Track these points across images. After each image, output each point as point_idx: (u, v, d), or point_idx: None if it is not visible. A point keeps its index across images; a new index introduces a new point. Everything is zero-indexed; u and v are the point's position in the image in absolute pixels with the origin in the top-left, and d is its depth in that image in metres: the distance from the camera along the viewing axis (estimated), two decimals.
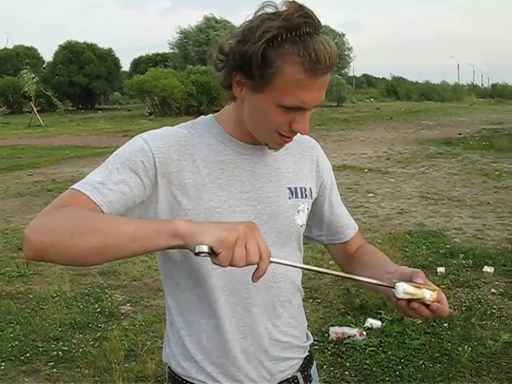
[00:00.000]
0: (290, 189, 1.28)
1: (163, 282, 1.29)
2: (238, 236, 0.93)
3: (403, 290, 1.08)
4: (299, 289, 1.35)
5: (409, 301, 1.09)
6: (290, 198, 1.27)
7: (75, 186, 1.08)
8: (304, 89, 1.09)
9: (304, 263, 1.31)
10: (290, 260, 1.24)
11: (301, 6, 1.07)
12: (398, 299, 1.09)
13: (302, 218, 1.30)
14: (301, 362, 1.35)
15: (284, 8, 1.07)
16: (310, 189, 1.33)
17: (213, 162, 1.20)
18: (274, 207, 1.24)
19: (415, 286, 1.09)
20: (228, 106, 1.25)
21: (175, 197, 1.17)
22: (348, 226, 1.43)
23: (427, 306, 1.10)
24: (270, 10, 1.09)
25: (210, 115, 1.29)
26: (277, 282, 1.25)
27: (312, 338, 1.41)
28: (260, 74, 1.08)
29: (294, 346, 1.32)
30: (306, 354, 1.38)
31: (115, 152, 1.17)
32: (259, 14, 1.10)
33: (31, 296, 4.57)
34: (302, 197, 1.30)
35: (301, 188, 1.30)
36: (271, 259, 0.98)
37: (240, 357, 1.23)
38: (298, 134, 1.27)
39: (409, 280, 1.11)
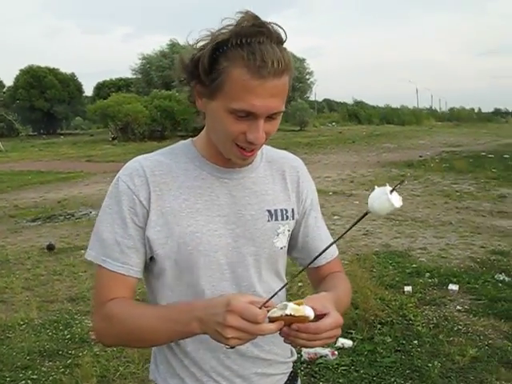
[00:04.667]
0: (269, 211, 1.27)
1: (149, 300, 1.32)
2: (227, 332, 1.00)
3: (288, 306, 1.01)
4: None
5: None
6: (269, 221, 1.27)
7: (101, 261, 1.21)
8: (252, 92, 1.07)
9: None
10: (270, 282, 1.29)
11: (255, 17, 1.07)
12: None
13: (281, 241, 1.29)
14: (285, 378, 1.37)
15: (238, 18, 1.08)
16: (292, 210, 1.32)
17: (189, 187, 1.23)
18: (252, 230, 1.25)
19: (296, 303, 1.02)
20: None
21: (155, 226, 1.20)
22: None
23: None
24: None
25: (189, 139, 1.31)
26: None
27: (296, 355, 1.43)
28: (209, 79, 1.10)
29: (278, 362, 1.34)
30: (291, 369, 1.39)
31: (108, 204, 1.23)
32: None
33: None
34: (282, 219, 1.29)
35: (281, 210, 1.29)
36: (267, 315, 1.01)
37: (221, 375, 1.25)
38: (284, 155, 1.32)
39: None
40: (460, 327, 4.07)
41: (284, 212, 1.30)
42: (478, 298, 4.66)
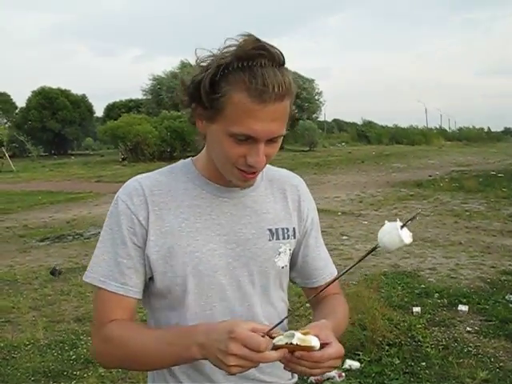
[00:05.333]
0: (270, 230, 1.26)
1: (149, 321, 1.31)
2: (229, 360, 0.99)
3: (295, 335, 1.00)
4: (284, 328, 1.31)
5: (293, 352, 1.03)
6: (270, 240, 1.26)
7: (99, 282, 1.20)
8: (252, 117, 1.06)
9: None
10: (272, 302, 1.29)
11: (257, 40, 1.07)
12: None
13: (283, 260, 1.28)
14: None
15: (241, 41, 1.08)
16: (294, 229, 1.31)
17: (189, 206, 1.22)
18: (252, 249, 1.24)
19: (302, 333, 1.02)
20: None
21: (154, 246, 1.19)
22: (323, 270, 1.38)
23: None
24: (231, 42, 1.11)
25: (189, 159, 1.31)
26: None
27: (296, 377, 1.40)
28: (210, 102, 1.09)
29: None
30: None
31: (108, 224, 1.23)
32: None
33: (2, 344, 4.44)
34: (283, 238, 1.28)
35: (283, 229, 1.28)
36: (274, 342, 1.00)
37: None
38: (285, 174, 1.33)
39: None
40: (470, 349, 4.01)
41: (285, 231, 1.29)
42: (489, 319, 4.59)
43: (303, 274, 1.39)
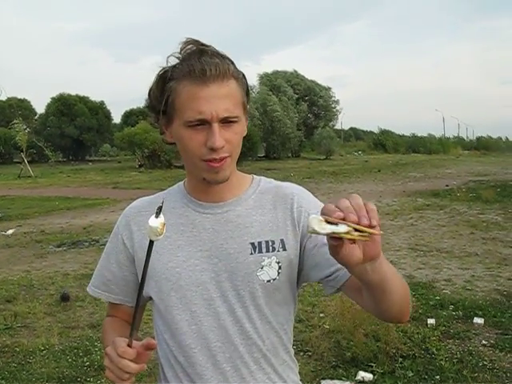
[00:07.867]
0: (252, 244, 1.23)
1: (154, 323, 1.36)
2: (105, 360, 1.10)
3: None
4: (281, 342, 1.29)
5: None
6: (251, 254, 1.23)
7: (90, 290, 1.41)
8: (197, 98, 1.12)
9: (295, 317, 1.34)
10: (266, 316, 1.25)
11: (194, 40, 1.17)
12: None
13: (268, 273, 1.23)
14: None
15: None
16: (282, 240, 1.24)
17: (173, 225, 1.26)
18: (233, 264, 1.23)
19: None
20: None
21: (140, 263, 1.22)
22: None
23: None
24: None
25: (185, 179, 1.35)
26: (246, 339, 1.24)
27: None
28: (163, 103, 1.17)
29: None
30: None
31: (109, 239, 1.39)
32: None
33: (18, 349, 4.49)
34: (267, 251, 1.23)
35: (266, 242, 1.24)
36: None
37: None
38: (279, 185, 1.32)
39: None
40: (485, 363, 3.96)
41: (270, 243, 1.24)
42: (505, 332, 4.54)
43: (333, 271, 1.21)
